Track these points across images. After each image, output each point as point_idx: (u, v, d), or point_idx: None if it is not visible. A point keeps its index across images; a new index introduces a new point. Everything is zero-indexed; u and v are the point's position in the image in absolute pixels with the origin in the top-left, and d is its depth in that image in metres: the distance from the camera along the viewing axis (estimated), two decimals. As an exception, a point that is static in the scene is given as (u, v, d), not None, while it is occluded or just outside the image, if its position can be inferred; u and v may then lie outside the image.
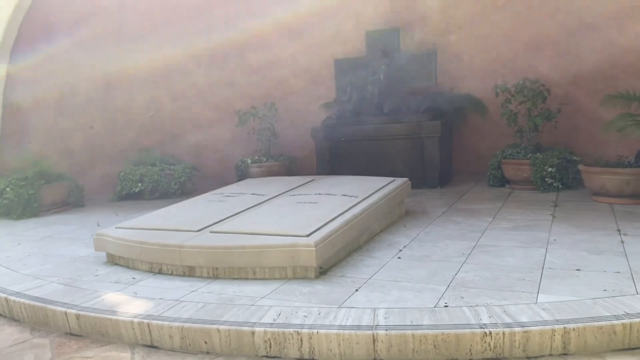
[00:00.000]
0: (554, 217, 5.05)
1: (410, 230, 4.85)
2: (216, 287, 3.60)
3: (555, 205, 5.53)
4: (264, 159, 8.22)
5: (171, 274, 3.92)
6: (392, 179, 5.52)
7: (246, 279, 3.71)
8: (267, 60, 8.94)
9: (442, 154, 7.23)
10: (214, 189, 8.11)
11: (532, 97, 6.66)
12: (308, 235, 3.70)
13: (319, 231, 3.79)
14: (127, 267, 4.18)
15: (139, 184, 7.42)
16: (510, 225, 4.83)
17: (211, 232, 4.00)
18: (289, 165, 8.29)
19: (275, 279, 3.67)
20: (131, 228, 4.31)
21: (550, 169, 6.33)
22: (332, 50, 8.46)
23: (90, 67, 8.97)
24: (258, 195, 5.10)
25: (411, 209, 5.72)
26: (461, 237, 4.50)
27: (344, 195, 4.76)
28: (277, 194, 5.13)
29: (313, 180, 5.78)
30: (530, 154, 6.56)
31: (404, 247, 4.31)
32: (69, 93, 8.71)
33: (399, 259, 3.98)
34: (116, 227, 4.40)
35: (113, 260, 4.34)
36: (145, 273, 4.00)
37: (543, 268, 3.62)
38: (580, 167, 5.97)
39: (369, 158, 7.31)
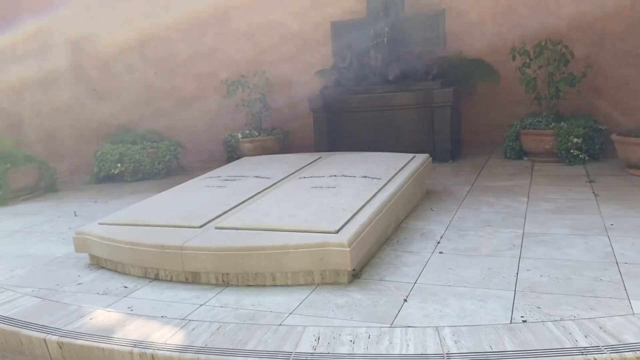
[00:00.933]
0: (596, 195, 4.49)
1: (440, 215, 4.25)
2: (229, 298, 2.96)
3: (591, 181, 4.98)
4: (256, 133, 7.50)
5: (170, 280, 3.26)
6: (411, 155, 4.89)
7: (263, 286, 3.07)
8: (254, 24, 8.12)
9: (454, 124, 6.61)
10: (202, 167, 7.43)
11: (554, 60, 6.05)
12: (337, 231, 3.07)
13: (348, 225, 3.16)
14: (116, 271, 3.50)
15: (119, 165, 6.66)
16: (552, 206, 4.27)
17: (217, 227, 3.34)
18: (284, 139, 7.59)
19: (299, 285, 3.04)
20: (118, 224, 3.61)
21: (575, 140, 5.78)
22: (327, 11, 7.68)
23: (61, 35, 8.05)
24: (262, 178, 4.42)
25: (430, 187, 5.11)
26: (503, 223, 3.91)
27: (365, 177, 4.11)
28: (284, 176, 4.46)
29: (320, 158, 5.12)
30: (553, 124, 5.98)
31: (441, 237, 3.71)
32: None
33: (441, 255, 3.38)
34: (100, 223, 3.69)
35: (98, 263, 3.65)
36: (138, 280, 3.33)
37: (617, 263, 3.06)
38: (614, 137, 5.42)
39: (373, 130, 6.66)
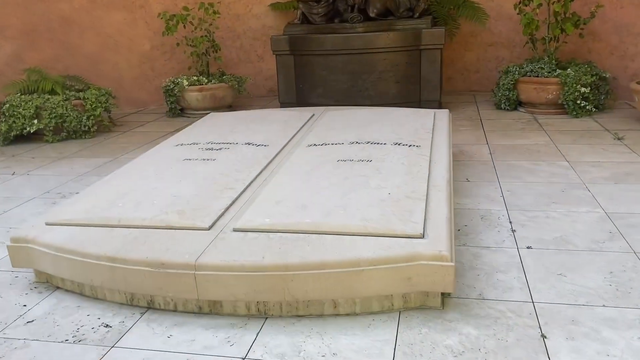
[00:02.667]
0: (643, 157, 3.91)
1: (482, 187, 3.45)
2: (280, 341, 2.00)
3: (620, 138, 4.40)
4: (205, 80, 6.26)
5: (174, 310, 2.23)
6: (429, 111, 4.02)
7: (320, 316, 2.14)
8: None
9: (442, 70, 5.78)
10: (140, 122, 6.12)
11: (561, -3, 5.32)
12: (423, 234, 2.17)
13: (431, 223, 2.26)
14: (82, 295, 2.39)
15: (35, 121, 5.21)
16: (606, 173, 3.61)
17: (236, 230, 2.31)
18: (239, 87, 6.41)
19: (373, 313, 2.14)
20: (78, 224, 2.47)
21: (583, 89, 5.16)
22: None
23: None
24: (257, 145, 3.37)
25: (443, 149, 4.30)
26: (568, 199, 3.19)
27: (398, 143, 3.20)
28: (284, 143, 3.44)
29: (313, 116, 4.11)
30: (559, 71, 5.31)
31: (510, 222, 2.92)
32: None
33: (531, 250, 2.60)
34: (48, 223, 2.51)
35: (49, 281, 2.51)
36: (122, 310, 2.26)
37: None
38: (634, 85, 4.85)
39: (351, 77, 5.67)
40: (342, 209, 2.36)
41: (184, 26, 6.29)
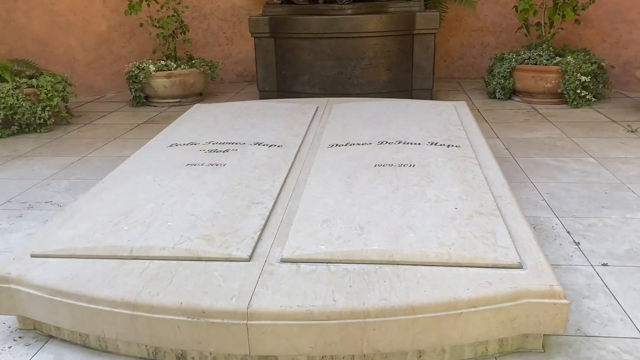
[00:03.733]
0: (669, 152, 3.70)
1: (517, 189, 3.11)
2: (361, 407, 1.58)
3: (633, 130, 4.20)
4: (173, 65, 5.64)
5: (211, 365, 1.76)
6: (448, 103, 3.66)
7: (402, 367, 1.73)
8: None
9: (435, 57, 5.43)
10: (103, 112, 5.44)
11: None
12: (521, 264, 1.79)
13: (521, 247, 1.89)
14: (85, 347, 1.88)
15: (-20, 113, 4.49)
16: (639, 171, 3.38)
17: (285, 260, 1.86)
18: (211, 72, 5.84)
19: (464, 360, 1.75)
20: (76, 256, 1.93)
21: (583, 78, 4.95)
22: None
23: None
24: (269, 146, 2.89)
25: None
26: (616, 202, 2.92)
27: (433, 143, 2.81)
28: (300, 142, 2.98)
29: (318, 109, 3.66)
30: (558, 58, 5.07)
31: (568, 233, 2.60)
32: None
33: (608, 268, 2.28)
34: (34, 256, 1.96)
35: (39, 329, 1.97)
36: (144, 368, 1.78)
37: None
38: (639, 73, 4.66)
39: (339, 64, 5.23)
40: (410, 231, 1.95)
41: (148, 5, 5.64)
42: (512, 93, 5.44)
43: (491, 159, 2.69)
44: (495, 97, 5.45)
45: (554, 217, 2.76)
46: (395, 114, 3.37)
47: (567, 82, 4.97)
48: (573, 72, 4.92)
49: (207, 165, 2.63)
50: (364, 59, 5.17)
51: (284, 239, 1.99)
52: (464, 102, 3.70)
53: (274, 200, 2.29)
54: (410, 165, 2.53)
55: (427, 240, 1.89)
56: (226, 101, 5.83)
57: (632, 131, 4.19)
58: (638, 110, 4.81)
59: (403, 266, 1.80)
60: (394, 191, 2.27)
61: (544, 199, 2.99)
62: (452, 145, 2.80)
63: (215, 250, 1.90)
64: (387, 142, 2.85)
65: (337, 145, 2.88)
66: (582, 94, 4.98)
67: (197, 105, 3.93)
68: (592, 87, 5.02)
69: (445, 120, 3.23)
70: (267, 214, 2.17)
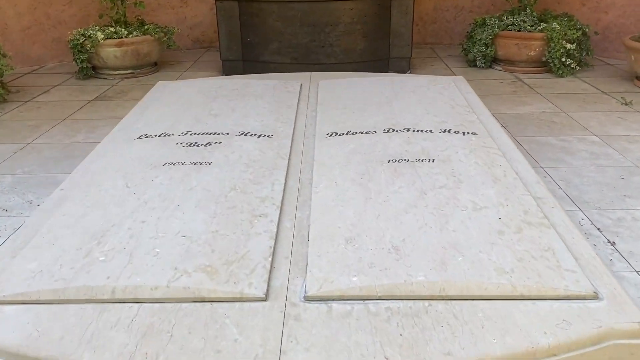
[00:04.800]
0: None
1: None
2: None
3: (627, 103, 4.01)
4: (124, 32, 5.03)
5: None
6: (444, 78, 3.32)
7: None
8: None
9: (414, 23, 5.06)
10: (43, 86, 4.77)
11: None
12: (597, 294, 1.50)
13: (586, 268, 1.60)
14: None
15: None
16: (651, 151, 3.18)
17: (310, 298, 1.50)
18: (167, 40, 5.26)
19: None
20: (40, 301, 1.50)
21: (569, 46, 4.72)
22: None
23: None
24: (258, 136, 2.49)
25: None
26: (638, 190, 2.70)
27: (445, 130, 2.49)
28: (291, 130, 2.58)
29: (302, 86, 3.25)
30: (543, 24, 4.81)
31: (599, 230, 2.36)
32: None
33: (657, 275, 2.05)
34: (3, 302, 1.52)
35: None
36: None
37: None
38: (629, 42, 4.46)
39: (312, 30, 4.79)
40: (457, 252, 1.62)
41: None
42: (492, 61, 5.16)
43: (514, 149, 2.39)
44: (475, 66, 5.17)
45: (578, 211, 2.51)
46: (394, 93, 3.00)
47: (552, 50, 4.73)
48: (559, 39, 4.68)
49: (189, 165, 2.21)
50: (339, 25, 4.75)
51: (303, 265, 1.63)
52: (462, 77, 3.37)
53: (278, 210, 1.91)
54: (429, 160, 2.20)
55: (480, 265, 1.57)
56: (184, 71, 5.30)
57: (625, 104, 4.00)
58: (623, 80, 4.63)
59: (458, 302, 1.48)
60: (421, 196, 1.93)
61: (560, 188, 2.74)
62: (468, 133, 2.47)
63: (221, 288, 1.52)
64: (394, 130, 2.49)
65: (336, 134, 2.51)
66: (567, 63, 4.75)
67: (160, 83, 3.42)
68: (576, 55, 4.79)
69: (450, 100, 2.90)
70: (275, 229, 1.79)
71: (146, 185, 2.05)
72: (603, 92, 4.31)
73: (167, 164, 2.21)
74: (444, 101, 2.87)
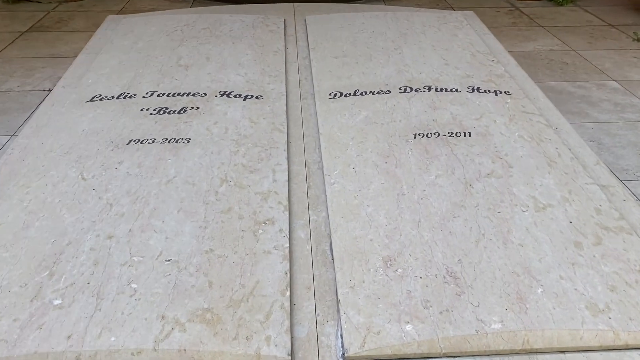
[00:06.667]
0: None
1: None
2: None
3: (638, 39, 3.64)
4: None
5: None
6: (453, 13, 2.82)
7: None
8: None
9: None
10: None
11: None
12: None
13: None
14: None
15: None
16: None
17: (351, 359, 1.11)
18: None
19: None
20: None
21: (570, -30, 4.25)
22: None
23: None
24: (244, 98, 1.99)
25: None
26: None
27: (475, 88, 2.05)
28: (283, 88, 2.09)
29: (286, 23, 2.71)
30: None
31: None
32: None
33: None
34: None
35: None
36: None
37: None
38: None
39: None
40: (533, 281, 1.25)
41: None
42: (484, -15, 4.64)
43: (559, 115, 2.00)
44: (467, -8, 4.63)
45: (618, 183, 2.17)
46: (400, 35, 2.51)
47: (553, -25, 4.24)
48: (561, -38, 4.19)
49: (161, 143, 1.72)
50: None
51: (332, 301, 1.23)
52: (472, 12, 2.89)
53: (287, 212, 1.47)
54: (464, 134, 1.78)
55: (567, 300, 1.21)
56: (135, -6, 4.56)
57: (638, 40, 3.62)
58: (627, 10, 4.24)
59: (545, 356, 1.12)
60: (466, 190, 1.53)
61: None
62: (500, 92, 2.05)
63: (230, 348, 1.11)
64: (412, 89, 2.04)
65: (340, 94, 2.03)
66: (567, -10, 4.30)
67: (110, 17, 2.79)
68: (577, -19, 4.34)
69: (468, 44, 2.44)
70: (287, 244, 1.37)
71: (109, 176, 1.56)
72: (610, 24, 3.91)
73: (132, 142, 1.72)
74: (462, 46, 2.41)
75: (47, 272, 1.26)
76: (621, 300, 1.21)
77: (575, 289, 1.23)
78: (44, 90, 2.76)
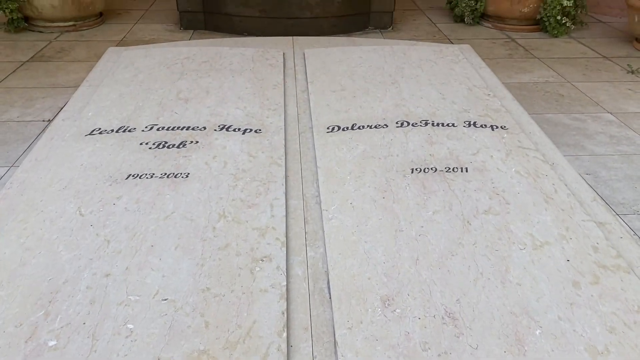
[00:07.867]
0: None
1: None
2: None
3: (633, 71, 3.68)
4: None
5: None
6: (451, 47, 2.87)
7: None
8: None
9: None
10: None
11: None
12: None
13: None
14: None
15: None
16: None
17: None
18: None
19: None
20: None
21: (565, 2, 4.32)
22: None
23: None
24: (244, 132, 2.01)
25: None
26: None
27: (472, 123, 2.07)
28: (281, 122, 2.11)
29: (285, 57, 2.74)
30: (538, -22, 4.37)
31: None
32: None
33: None
34: None
35: None
36: None
37: None
38: (633, 1, 4.09)
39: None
40: (532, 321, 1.25)
41: None
42: (480, 17, 4.72)
43: (554, 149, 2.01)
44: (462, 22, 4.71)
45: (615, 220, 2.17)
46: (398, 69, 2.54)
47: (548, 7, 4.32)
48: (555, -5, 4.27)
49: (160, 177, 1.72)
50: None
51: (329, 342, 1.23)
52: (468, 46, 2.93)
53: (285, 249, 1.47)
54: (462, 170, 1.79)
55: (566, 342, 1.20)
56: (135, 23, 4.63)
57: (632, 72, 3.67)
58: (622, 42, 4.30)
59: (545, 401, 1.11)
60: (464, 227, 1.53)
61: (588, 184, 2.39)
62: (497, 127, 2.07)
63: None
64: (409, 123, 2.06)
65: (338, 128, 2.05)
66: (563, 21, 4.37)
67: (111, 50, 2.82)
68: (572, 13, 4.41)
69: (465, 79, 2.47)
70: (284, 282, 1.36)
71: (107, 212, 1.56)
72: (604, 56, 3.97)
73: (131, 177, 1.72)
74: (459, 81, 2.44)
75: (43, 312, 1.25)
76: (620, 342, 1.21)
77: (574, 330, 1.23)
78: (43, 121, 2.77)
